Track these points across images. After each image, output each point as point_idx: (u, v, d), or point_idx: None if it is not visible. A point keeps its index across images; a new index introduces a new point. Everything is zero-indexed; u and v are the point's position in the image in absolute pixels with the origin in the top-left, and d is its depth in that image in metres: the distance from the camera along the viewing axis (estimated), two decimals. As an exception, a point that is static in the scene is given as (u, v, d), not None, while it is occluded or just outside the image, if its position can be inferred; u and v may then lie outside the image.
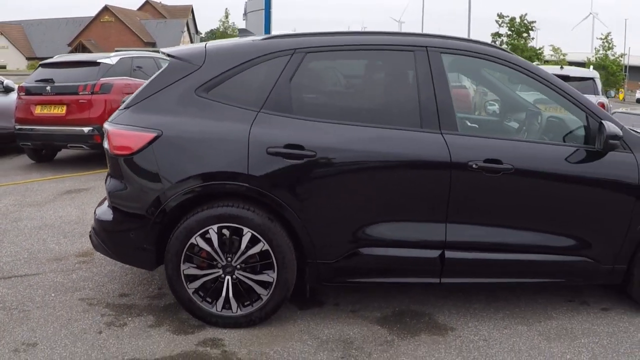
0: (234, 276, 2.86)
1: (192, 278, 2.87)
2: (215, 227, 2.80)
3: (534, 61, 29.56)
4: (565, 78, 7.97)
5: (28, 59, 43.73)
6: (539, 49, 36.93)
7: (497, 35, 36.75)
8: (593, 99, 7.70)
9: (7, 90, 7.63)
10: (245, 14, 16.60)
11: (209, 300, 2.90)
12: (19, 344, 2.70)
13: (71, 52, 38.39)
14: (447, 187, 2.81)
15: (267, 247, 2.82)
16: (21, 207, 5.21)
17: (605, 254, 3.01)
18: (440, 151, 2.79)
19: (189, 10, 51.66)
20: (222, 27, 57.56)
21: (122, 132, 2.88)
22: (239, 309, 2.89)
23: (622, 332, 2.96)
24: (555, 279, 3.08)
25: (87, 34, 44.34)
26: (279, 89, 2.85)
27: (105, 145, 2.99)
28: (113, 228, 2.98)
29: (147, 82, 3.02)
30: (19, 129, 6.85)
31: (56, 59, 7.52)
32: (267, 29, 14.53)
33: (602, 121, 2.88)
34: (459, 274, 2.97)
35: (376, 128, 2.84)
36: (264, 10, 14.44)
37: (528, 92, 3.98)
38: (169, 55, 3.02)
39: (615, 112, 10.23)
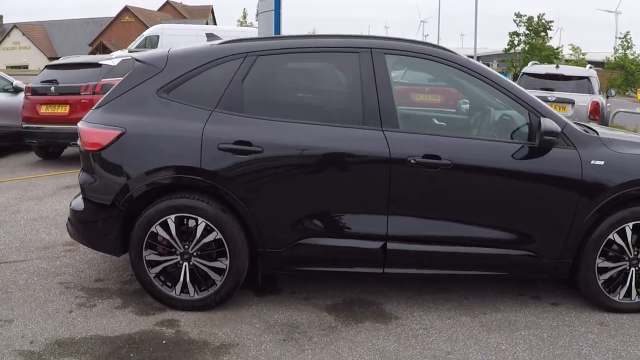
0: (191, 262, 3.19)
1: (153, 263, 3.20)
2: (173, 216, 3.13)
3: (552, 61, 29.31)
4: (560, 77, 8.12)
5: (50, 58, 45.03)
6: (557, 48, 36.56)
7: (515, 34, 36.55)
8: (587, 98, 7.82)
9: (17, 90, 8.14)
10: (257, 14, 17.02)
11: (169, 284, 3.23)
12: (3, 321, 3.07)
13: (92, 52, 39.38)
14: (387, 181, 3.07)
15: (220, 236, 3.13)
16: (22, 200, 5.64)
17: (549, 249, 3.20)
18: (381, 147, 3.05)
19: (209, 11, 52.55)
20: (240, 27, 58.40)
21: (91, 130, 3.24)
22: (195, 293, 3.21)
23: (566, 326, 3.14)
24: (499, 271, 3.29)
25: (108, 34, 45.49)
26: (231, 89, 3.16)
27: (78, 142, 3.34)
28: (84, 218, 3.33)
29: (117, 84, 3.38)
30: (26, 128, 7.34)
31: (60, 60, 8.00)
32: (277, 30, 14.90)
33: (541, 118, 3.08)
34: (402, 264, 3.22)
35: (321, 125, 3.12)
36: (273, 11, 14.82)
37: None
38: (136, 60, 3.36)
39: (618, 112, 10.27)
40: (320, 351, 2.83)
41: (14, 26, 44.97)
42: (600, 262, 3.21)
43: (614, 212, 3.17)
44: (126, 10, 46.07)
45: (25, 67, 42.65)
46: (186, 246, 3.17)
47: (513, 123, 3.40)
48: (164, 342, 2.91)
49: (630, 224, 3.18)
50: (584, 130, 3.46)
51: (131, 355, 2.77)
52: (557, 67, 8.80)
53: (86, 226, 3.34)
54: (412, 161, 3.03)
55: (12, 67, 39.88)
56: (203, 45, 3.44)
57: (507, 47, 37.62)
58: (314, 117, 3.17)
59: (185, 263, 3.19)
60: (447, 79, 3.52)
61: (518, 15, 35.90)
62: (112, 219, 3.20)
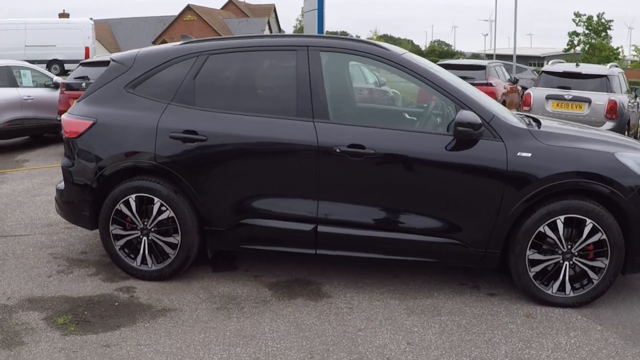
0: (149, 237, 3.73)
1: (118, 237, 3.78)
2: (133, 196, 3.68)
3: (612, 60, 28.00)
4: (578, 75, 8.07)
5: (113, 56, 47.81)
6: (617, 49, 34.89)
7: (574, 34, 35.18)
8: (605, 96, 7.73)
9: (57, 86, 9.16)
10: (303, 13, 17.69)
11: (132, 256, 3.79)
12: None
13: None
14: (316, 168, 3.45)
15: (172, 214, 3.65)
16: (45, 185, 6.48)
17: (476, 238, 3.44)
18: (310, 136, 3.44)
19: (271, 9, 54.12)
20: (299, 25, 59.69)
21: (70, 120, 3.86)
22: (153, 265, 3.75)
23: (490, 315, 3.35)
24: (427, 258, 3.56)
25: (170, 32, 47.92)
26: (185, 85, 3.67)
27: (62, 130, 3.98)
28: (65, 196, 3.96)
29: (96, 80, 3.99)
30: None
31: (93, 58, 8.92)
32: (320, 29, 15.50)
33: (462, 110, 3.35)
34: (332, 247, 3.58)
35: (259, 117, 3.56)
36: (317, 10, 15.42)
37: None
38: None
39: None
40: (244, 320, 3.27)
41: (79, 24, 48.22)
42: (531, 254, 3.40)
43: (544, 205, 3.35)
44: (188, 8, 48.30)
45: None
46: (145, 222, 3.72)
47: (449, 116, 3.62)
48: (116, 304, 3.46)
49: (562, 217, 3.33)
50: (527, 123, 3.70)
51: (85, 313, 3.34)
52: (577, 65, 8.69)
53: (66, 204, 3.97)
54: (338, 150, 3.40)
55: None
56: (167, 45, 3.98)
57: (566, 47, 36.43)
58: (254, 109, 3.61)
59: (145, 237, 3.73)
60: (383, 74, 3.84)
61: (577, 14, 34.57)
62: (85, 198, 3.81)
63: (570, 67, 8.74)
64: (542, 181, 3.32)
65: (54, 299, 3.51)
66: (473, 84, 10.78)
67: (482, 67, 10.95)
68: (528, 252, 3.40)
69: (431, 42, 79.74)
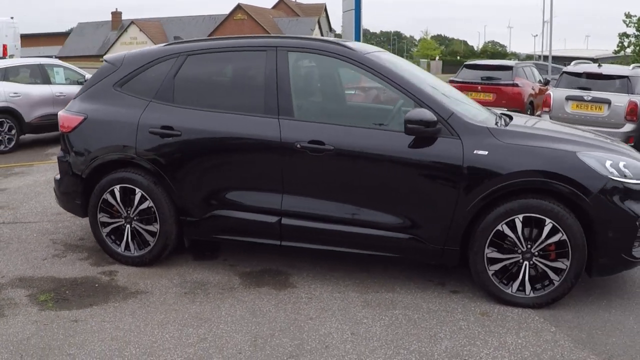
0: (132, 225, 4.07)
1: (105, 225, 4.14)
2: (118, 186, 4.03)
3: None
4: (599, 76, 7.87)
5: (167, 55, 49.61)
6: None
7: (624, 35, 33.49)
8: (625, 98, 7.52)
9: (90, 84, 9.82)
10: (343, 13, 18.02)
11: (117, 242, 4.14)
12: None
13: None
14: (280, 163, 3.68)
15: (152, 204, 3.97)
16: (67, 178, 7.02)
17: (434, 235, 3.55)
18: (274, 133, 3.66)
19: (321, 9, 54.78)
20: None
21: (65, 116, 4.26)
22: (135, 251, 4.09)
23: (444, 311, 3.45)
24: (385, 253, 3.70)
25: (221, 31, 49.35)
26: (166, 83, 3.98)
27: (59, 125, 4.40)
28: (60, 186, 4.36)
29: (89, 78, 4.38)
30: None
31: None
32: (357, 28, 15.77)
33: (416, 108, 3.47)
34: (296, 239, 3.78)
35: (229, 114, 3.82)
36: (354, 10, 15.70)
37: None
38: (104, 60, 4.33)
39: None
40: (206, 304, 3.54)
41: (132, 22, 50.43)
42: (490, 253, 3.47)
43: (503, 203, 3.42)
44: (239, 7, 49.55)
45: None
46: (128, 211, 4.06)
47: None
48: (96, 285, 3.82)
49: (520, 216, 3.39)
50: (495, 122, 3.77)
51: (67, 292, 3.71)
52: (600, 66, 8.44)
53: (62, 194, 4.37)
54: (298, 146, 3.60)
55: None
56: (154, 47, 4.32)
57: (616, 48, 34.77)
58: (227, 106, 3.87)
59: (128, 225, 4.07)
60: (347, 74, 3.99)
61: (628, 15, 32.90)
62: (77, 188, 4.19)
63: (591, 67, 8.52)
64: (498, 179, 3.40)
65: (43, 279, 3.90)
66: (498, 85, 10.74)
67: (509, 68, 10.84)
68: (487, 250, 3.47)
69: (485, 42, 78.40)
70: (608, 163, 3.43)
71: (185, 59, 4.00)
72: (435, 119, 3.43)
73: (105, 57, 4.44)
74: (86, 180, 4.12)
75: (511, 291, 3.50)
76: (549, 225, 3.37)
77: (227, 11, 51.34)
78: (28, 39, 55.49)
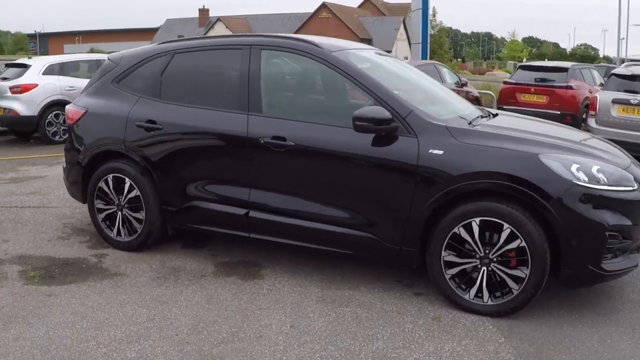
0: (123, 212, 4.44)
1: (100, 210, 4.54)
2: (110, 175, 4.41)
3: None
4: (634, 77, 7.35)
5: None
6: None
7: None
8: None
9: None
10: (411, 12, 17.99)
11: (111, 228, 4.53)
12: (2, 240, 4.75)
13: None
14: (247, 157, 3.87)
15: (139, 193, 4.31)
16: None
17: (390, 234, 3.57)
18: (242, 128, 3.85)
19: (407, 9, 54.27)
20: (429, 25, 59.28)
21: (70, 109, 4.72)
22: (125, 236, 4.46)
23: (396, 312, 3.46)
24: (344, 250, 3.76)
25: (305, 29, 50.39)
26: (154, 80, 4.31)
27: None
28: (66, 174, 4.84)
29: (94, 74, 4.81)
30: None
31: None
32: (425, 27, 15.74)
33: (371, 105, 3.52)
34: (262, 231, 3.95)
35: (206, 109, 4.06)
36: (421, 10, 15.71)
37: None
38: (107, 58, 4.75)
39: None
40: (171, 288, 3.80)
41: (218, 19, 52.68)
42: (447, 256, 3.44)
43: (460, 205, 3.38)
44: (324, 6, 50.29)
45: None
46: (120, 199, 4.43)
47: None
48: (83, 266, 4.22)
49: (477, 219, 3.33)
50: (469, 121, 3.74)
51: (56, 270, 4.13)
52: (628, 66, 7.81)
53: (68, 181, 4.84)
54: (262, 141, 3.77)
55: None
56: (148, 46, 4.67)
57: None
58: (204, 102, 4.11)
59: (119, 212, 4.45)
60: (315, 71, 4.07)
61: None
62: (78, 175, 4.64)
63: (624, 69, 7.92)
64: (452, 180, 3.36)
65: (40, 257, 4.37)
66: (551, 87, 10.32)
67: (564, 70, 10.37)
68: (443, 253, 3.44)
69: (577, 45, 74.23)
70: (574, 167, 3.28)
71: (172, 57, 4.31)
72: (390, 116, 3.46)
73: (108, 55, 4.87)
74: (85, 168, 4.55)
75: (469, 297, 3.45)
76: (507, 230, 3.28)
77: (311, 9, 52.28)
78: (117, 34, 59.97)
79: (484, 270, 3.39)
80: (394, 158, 3.50)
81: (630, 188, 3.39)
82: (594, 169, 3.33)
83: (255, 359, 2.97)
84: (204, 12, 56.32)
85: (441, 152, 3.41)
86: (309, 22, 50.69)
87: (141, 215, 4.35)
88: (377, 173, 3.58)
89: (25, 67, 10.02)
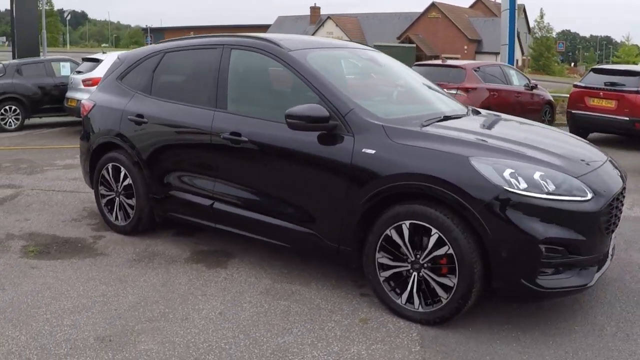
0: (120, 199, 4.90)
1: (103, 196, 5.05)
2: (110, 164, 4.90)
3: None
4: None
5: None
6: None
7: None
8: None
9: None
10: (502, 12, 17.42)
11: (111, 212, 5.02)
12: (22, 219, 5.41)
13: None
14: (212, 151, 4.12)
15: (131, 181, 4.74)
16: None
17: (329, 232, 3.64)
18: (208, 123, 4.12)
19: (520, 10, 51.96)
20: (536, 27, 56.42)
21: (84, 102, 5.29)
22: (122, 221, 4.92)
23: (327, 310, 3.54)
24: (293, 245, 3.89)
25: (415, 29, 50.06)
26: (148, 77, 4.73)
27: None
28: (81, 162, 5.40)
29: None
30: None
31: None
32: (512, 27, 15.18)
33: (308, 104, 3.58)
34: (225, 222, 4.18)
35: (183, 105, 4.38)
36: (509, 10, 15.20)
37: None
38: (117, 57, 5.25)
39: None
40: (138, 270, 4.16)
41: (328, 17, 53.76)
42: (380, 257, 3.44)
43: (392, 207, 3.37)
44: (433, 6, 49.54)
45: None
46: (117, 186, 4.90)
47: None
48: (79, 245, 4.73)
49: (407, 222, 3.30)
50: (428, 119, 3.71)
51: (54, 247, 4.67)
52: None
53: (82, 168, 5.41)
54: (222, 136, 4.01)
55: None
56: (149, 46, 5.09)
57: None
58: (183, 99, 4.44)
59: (117, 198, 4.93)
60: (274, 70, 4.16)
61: None
62: (87, 163, 5.19)
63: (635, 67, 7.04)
64: (382, 181, 3.36)
65: (46, 236, 4.95)
66: (621, 91, 9.55)
67: (636, 74, 9.43)
68: (377, 255, 3.45)
69: None
70: (507, 172, 3.13)
71: (163, 56, 4.70)
72: (327, 115, 3.52)
73: (118, 54, 5.38)
74: (92, 157, 5.09)
75: (401, 302, 3.42)
76: (435, 235, 3.22)
77: (421, 9, 51.71)
78: (229, 30, 63.12)
79: (414, 275, 3.35)
80: (331, 156, 3.57)
81: (580, 198, 3.18)
82: (536, 175, 3.15)
83: (167, 338, 3.21)
84: (315, 10, 57.90)
85: (373, 151, 3.43)
86: (418, 22, 50.28)
87: (133, 202, 4.78)
88: (317, 170, 3.67)
89: (98, 61, 11.12)
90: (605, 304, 3.70)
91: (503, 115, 4.51)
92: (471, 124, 3.99)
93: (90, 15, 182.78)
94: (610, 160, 3.87)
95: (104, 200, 5.06)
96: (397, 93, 4.43)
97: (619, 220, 3.63)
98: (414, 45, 34.96)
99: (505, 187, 3.09)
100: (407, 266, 3.37)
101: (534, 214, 3.08)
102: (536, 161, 3.30)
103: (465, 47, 47.31)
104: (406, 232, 3.33)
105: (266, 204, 3.93)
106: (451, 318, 3.30)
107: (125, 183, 4.81)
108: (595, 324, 3.43)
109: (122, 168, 4.79)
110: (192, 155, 4.34)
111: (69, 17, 57.36)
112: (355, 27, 53.39)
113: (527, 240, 3.06)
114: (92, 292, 3.81)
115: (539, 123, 4.74)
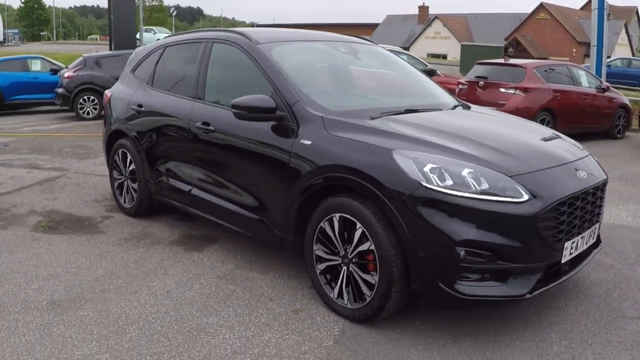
0: (127, 183, 5.32)
1: (115, 179, 5.51)
2: (120, 150, 5.33)
3: None
4: None
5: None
6: None
7: None
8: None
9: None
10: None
11: (121, 195, 5.45)
12: (50, 198, 6.00)
13: (505, 46, 41.84)
14: (190, 140, 4.36)
15: (134, 167, 5.13)
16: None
17: (275, 221, 3.73)
18: (187, 113, 4.38)
19: (632, 12, 48.15)
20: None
21: (106, 92, 5.77)
22: (129, 204, 5.34)
23: (266, 298, 3.63)
24: (249, 232, 4.01)
25: (522, 30, 47.89)
26: (151, 70, 5.08)
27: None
28: (104, 146, 5.89)
29: (126, 66, 5.79)
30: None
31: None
32: (600, 27, 14.30)
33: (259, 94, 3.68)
34: (199, 208, 4.42)
35: (171, 96, 4.68)
36: (597, 10, 14.38)
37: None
38: (135, 52, 5.67)
39: None
40: (122, 248, 4.51)
41: (436, 17, 52.94)
42: (317, 250, 3.47)
43: (326, 199, 3.38)
44: (541, 7, 47.15)
45: (444, 56, 49.52)
46: (125, 171, 5.32)
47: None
48: (87, 223, 5.19)
49: (337, 216, 3.30)
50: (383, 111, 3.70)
51: (65, 224, 5.17)
52: None
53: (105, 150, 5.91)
54: (195, 125, 4.25)
55: (432, 56, 47.19)
56: (155, 42, 5.45)
57: None
58: (174, 90, 4.73)
59: (126, 182, 5.35)
60: (245, 62, 4.23)
61: None
62: (105, 148, 5.66)
63: None
64: (314, 172, 3.40)
65: (63, 213, 5.47)
66: None
67: None
68: (314, 247, 3.48)
69: None
70: (428, 167, 3.01)
71: (164, 50, 5.04)
72: (273, 106, 3.62)
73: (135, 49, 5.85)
74: (107, 143, 5.56)
75: (333, 296, 3.43)
76: (359, 230, 3.20)
77: (529, 10, 49.47)
78: (336, 29, 63.91)
79: (344, 270, 3.35)
80: (278, 145, 3.66)
81: (511, 199, 2.98)
82: (464, 172, 3.01)
83: (107, 308, 3.48)
84: (423, 9, 57.36)
85: (309, 142, 3.48)
86: (526, 23, 48.13)
87: (136, 185, 5.17)
88: (267, 159, 3.76)
89: None
90: (569, 321, 3.44)
91: (487, 111, 4.38)
92: (433, 118, 3.87)
93: (206, 12, 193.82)
94: (584, 159, 3.62)
95: (116, 184, 5.50)
96: (368, 85, 4.43)
97: (590, 227, 3.42)
98: (502, 45, 33.56)
99: (422, 183, 2.98)
100: (339, 260, 3.39)
101: (453, 214, 2.95)
102: (469, 157, 3.14)
103: (574, 50, 44.47)
104: (336, 226, 3.34)
105: (230, 191, 4.11)
106: (375, 317, 3.25)
107: (131, 168, 5.22)
108: (543, 341, 3.20)
109: (128, 154, 5.20)
110: (176, 143, 4.62)
111: (174, 13, 61.18)
112: (463, 27, 52.15)
113: (443, 241, 2.94)
114: (71, 264, 4.20)
115: (524, 120, 4.50)
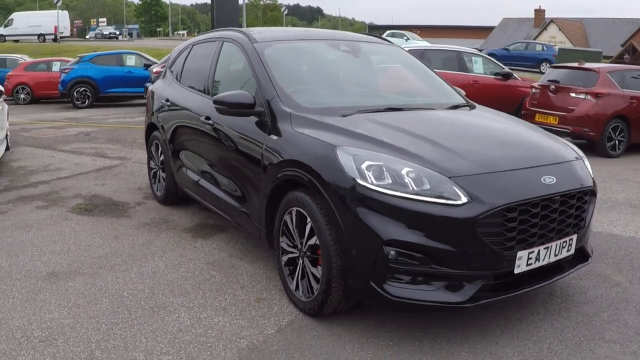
0: (158, 172, 5.78)
1: (151, 169, 5.99)
2: (154, 142, 5.79)
3: None
4: None
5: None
6: None
7: None
8: None
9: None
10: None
11: (154, 184, 5.92)
12: (99, 184, 6.61)
13: (621, 52, 39.06)
14: (199, 133, 4.65)
15: (163, 158, 5.56)
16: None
17: (254, 212, 3.88)
18: (198, 107, 4.67)
19: None
20: None
21: (149, 87, 6.25)
22: (159, 192, 5.79)
23: (235, 284, 3.81)
24: (238, 223, 4.19)
25: (639, 36, 44.09)
26: (181, 67, 5.47)
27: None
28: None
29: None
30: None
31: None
32: None
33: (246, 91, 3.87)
34: (205, 198, 4.69)
35: (189, 91, 5.00)
36: None
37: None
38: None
39: None
40: (136, 231, 4.92)
41: (551, 20, 50.27)
42: (282, 242, 3.58)
43: (287, 193, 3.48)
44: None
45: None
46: (157, 161, 5.77)
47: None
48: (120, 208, 5.69)
49: (294, 209, 3.40)
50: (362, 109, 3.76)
51: (100, 206, 5.70)
52: None
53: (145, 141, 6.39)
54: (201, 119, 4.53)
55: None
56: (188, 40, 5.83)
57: None
58: (194, 85, 5.04)
59: (158, 172, 5.80)
60: (242, 59, 4.32)
61: None
62: (146, 138, 6.16)
63: None
64: (277, 166, 3.53)
65: (103, 198, 6.03)
66: None
67: None
68: (280, 239, 3.60)
69: None
70: (365, 164, 3.01)
71: (192, 48, 5.41)
72: (251, 101, 3.80)
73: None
74: (146, 135, 6.05)
75: (292, 288, 3.53)
76: (309, 224, 3.29)
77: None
78: (453, 31, 62.61)
79: (300, 263, 3.45)
80: (256, 140, 3.81)
81: (446, 201, 2.90)
82: (404, 171, 2.98)
83: (94, 282, 3.85)
84: (539, 12, 54.90)
85: (276, 138, 3.61)
86: (645, 28, 44.14)
87: (165, 175, 5.60)
88: (248, 153, 3.92)
89: None
90: (535, 338, 3.25)
91: (487, 112, 4.26)
92: (408, 117, 3.82)
93: (326, 11, 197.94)
94: (565, 164, 3.43)
95: (151, 173, 5.98)
96: (362, 83, 4.47)
97: (562, 237, 3.22)
98: (601, 50, 31.45)
99: (357, 180, 3.00)
100: (297, 253, 3.49)
101: (385, 212, 2.93)
102: (413, 157, 3.09)
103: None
104: (294, 219, 3.44)
105: (226, 184, 4.34)
106: (320, 311, 3.30)
107: (161, 158, 5.65)
108: (492, 355, 3.07)
109: (159, 145, 5.64)
110: (189, 136, 4.94)
111: (285, 12, 63.26)
112: (579, 32, 48.98)
113: (371, 240, 2.94)
114: (85, 242, 4.67)
115: (524, 122, 4.30)
